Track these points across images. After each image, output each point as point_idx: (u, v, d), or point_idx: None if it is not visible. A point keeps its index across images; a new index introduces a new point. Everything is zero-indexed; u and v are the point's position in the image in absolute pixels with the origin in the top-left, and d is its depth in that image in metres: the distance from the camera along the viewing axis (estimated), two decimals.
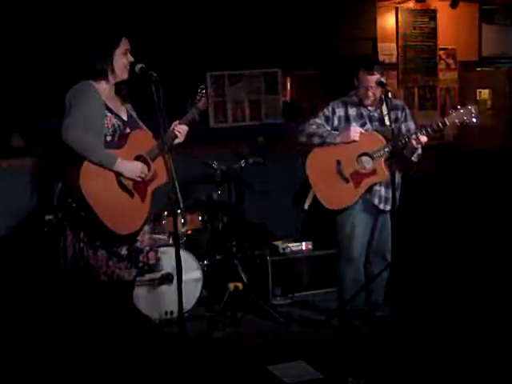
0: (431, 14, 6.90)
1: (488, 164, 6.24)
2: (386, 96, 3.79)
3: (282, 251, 5.10)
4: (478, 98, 7.32)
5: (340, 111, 4.15)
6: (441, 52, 7.01)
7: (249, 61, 6.07)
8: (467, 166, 6.34)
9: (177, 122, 3.51)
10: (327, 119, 4.17)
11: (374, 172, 4.00)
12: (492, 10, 7.21)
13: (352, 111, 4.13)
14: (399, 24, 6.75)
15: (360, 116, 4.12)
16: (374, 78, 3.98)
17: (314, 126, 4.13)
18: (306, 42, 6.21)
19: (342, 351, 3.91)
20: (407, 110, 4.20)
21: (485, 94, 7.35)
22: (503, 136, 7.02)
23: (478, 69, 7.25)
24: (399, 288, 4.15)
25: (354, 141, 3.99)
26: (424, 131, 3.86)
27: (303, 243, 5.18)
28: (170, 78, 3.58)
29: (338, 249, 4.33)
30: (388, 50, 6.72)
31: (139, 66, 3.28)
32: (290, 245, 5.14)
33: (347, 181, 4.05)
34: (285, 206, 5.88)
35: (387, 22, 6.72)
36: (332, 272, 5.12)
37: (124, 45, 3.30)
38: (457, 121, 3.82)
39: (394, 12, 6.73)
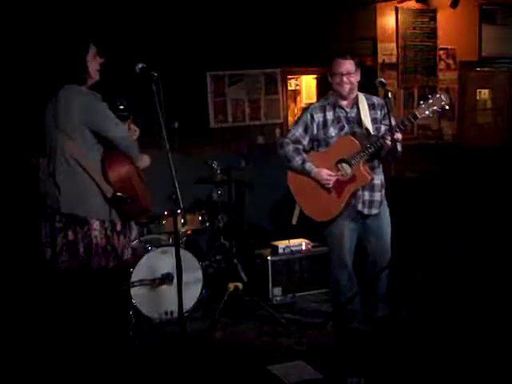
0: (431, 14, 6.91)
1: (488, 162, 6.25)
2: (386, 96, 3.72)
3: (282, 251, 5.10)
4: (477, 98, 7.33)
5: (319, 117, 4.07)
6: (441, 52, 7.02)
7: (249, 61, 6.08)
8: (467, 165, 6.35)
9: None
10: (306, 129, 4.09)
11: (353, 178, 3.94)
12: (492, 10, 7.22)
13: (329, 115, 4.05)
14: (399, 24, 6.76)
15: (338, 120, 4.03)
16: (347, 63, 3.92)
17: (291, 148, 4.07)
18: (305, 42, 6.21)
19: (342, 351, 3.91)
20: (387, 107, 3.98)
21: (485, 94, 7.36)
22: (503, 135, 7.03)
23: (478, 69, 7.25)
24: (399, 288, 4.16)
25: (328, 178, 3.98)
26: (397, 128, 3.78)
27: (303, 243, 5.18)
28: (170, 77, 3.57)
29: (330, 255, 4.28)
30: (388, 50, 6.72)
31: (140, 65, 3.28)
32: (290, 245, 5.14)
33: (329, 191, 4.02)
34: (284, 206, 5.89)
35: (387, 22, 6.73)
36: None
37: (92, 49, 3.40)
38: (427, 112, 3.71)
39: (394, 12, 6.74)
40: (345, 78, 3.94)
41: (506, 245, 5.38)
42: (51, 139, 3.37)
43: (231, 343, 4.18)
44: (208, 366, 3.74)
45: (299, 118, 4.17)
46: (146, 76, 3.24)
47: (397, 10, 6.74)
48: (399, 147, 3.97)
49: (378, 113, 4.02)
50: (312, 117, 4.07)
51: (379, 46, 6.66)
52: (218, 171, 4.84)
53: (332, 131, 4.02)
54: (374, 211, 4.07)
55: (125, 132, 3.41)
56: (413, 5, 6.81)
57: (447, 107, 3.72)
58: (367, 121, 3.95)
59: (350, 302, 4.14)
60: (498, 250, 5.37)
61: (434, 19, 6.92)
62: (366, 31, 6.58)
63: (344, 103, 4.03)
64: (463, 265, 5.25)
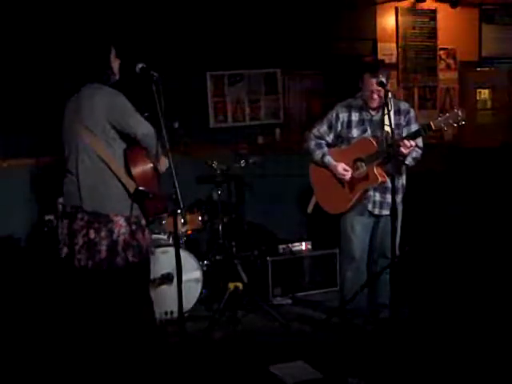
0: (431, 14, 6.91)
1: (488, 163, 6.24)
2: (386, 96, 3.77)
3: (281, 251, 5.11)
4: (478, 98, 7.32)
5: (344, 116, 4.19)
6: (441, 52, 7.02)
7: (249, 61, 6.08)
8: (467, 165, 6.35)
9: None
10: (330, 126, 4.24)
11: (366, 177, 4.07)
12: (492, 10, 7.22)
13: (355, 116, 4.17)
14: (399, 24, 6.76)
15: (362, 122, 4.14)
16: (377, 81, 3.97)
17: (313, 143, 4.28)
18: (305, 42, 6.21)
19: (342, 351, 3.91)
20: (411, 114, 4.14)
21: (485, 93, 7.35)
22: (503, 135, 7.03)
23: (478, 69, 7.25)
24: (399, 288, 4.16)
25: (344, 172, 4.14)
26: (409, 136, 3.88)
27: (303, 243, 5.18)
28: (170, 77, 3.57)
29: (341, 250, 4.42)
30: (388, 50, 6.72)
31: (140, 65, 3.28)
32: (290, 245, 5.15)
33: (343, 186, 4.17)
34: (285, 206, 5.89)
35: (387, 22, 6.72)
36: (332, 272, 5.15)
37: (113, 50, 3.44)
38: (443, 125, 3.77)
39: (394, 12, 6.74)
40: (375, 95, 4.03)
41: (507, 244, 5.38)
42: (72, 136, 3.37)
43: (231, 343, 4.18)
44: (208, 366, 3.74)
45: (326, 115, 4.30)
46: (146, 76, 3.24)
47: (397, 10, 6.74)
48: (414, 154, 4.03)
49: (402, 118, 4.11)
50: (337, 116, 4.21)
51: (379, 45, 6.65)
52: (218, 171, 4.84)
53: (355, 132, 4.15)
54: (385, 212, 4.13)
55: (148, 129, 3.42)
56: (413, 5, 6.81)
57: (463, 123, 3.76)
58: (390, 124, 3.98)
59: (351, 300, 4.16)
60: (499, 250, 5.37)
61: (434, 19, 6.92)
62: (366, 31, 6.58)
63: (373, 105, 4.11)
64: (463, 264, 5.25)
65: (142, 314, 3.45)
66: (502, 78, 7.39)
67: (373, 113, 4.12)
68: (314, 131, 4.30)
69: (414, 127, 4.06)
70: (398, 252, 4.14)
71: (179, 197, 3.02)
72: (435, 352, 3.78)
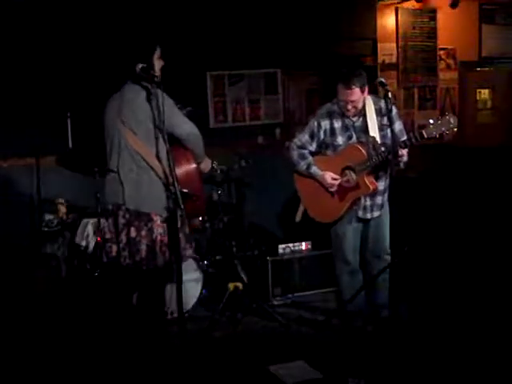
0: (431, 14, 6.91)
1: (488, 163, 6.24)
2: (386, 96, 3.73)
3: (281, 251, 5.10)
4: (478, 98, 7.33)
5: (326, 124, 4.09)
6: (441, 52, 7.02)
7: (249, 61, 6.07)
8: (467, 165, 6.35)
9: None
10: (312, 135, 4.13)
11: (357, 186, 4.00)
12: (492, 10, 7.22)
13: (337, 123, 4.07)
14: (399, 24, 6.76)
15: (345, 128, 4.06)
16: (352, 93, 3.87)
17: (296, 153, 4.15)
18: (305, 42, 6.21)
19: (342, 351, 3.91)
20: (393, 112, 3.96)
21: (485, 93, 7.36)
22: (503, 135, 7.03)
23: (478, 69, 7.25)
24: (399, 288, 4.16)
25: (332, 182, 4.05)
26: (402, 144, 3.82)
27: (303, 243, 5.18)
28: (170, 77, 3.57)
29: (333, 255, 4.35)
30: (388, 50, 6.72)
31: (140, 65, 3.29)
32: (290, 245, 5.14)
33: (332, 195, 4.10)
34: (284, 206, 5.88)
35: (387, 21, 6.72)
36: (332, 272, 5.14)
37: (158, 50, 3.49)
38: (434, 133, 3.72)
39: (394, 12, 6.74)
40: (349, 106, 3.95)
41: (506, 244, 5.38)
42: (114, 135, 3.38)
43: (231, 343, 4.18)
44: (208, 366, 3.74)
45: (307, 125, 4.19)
46: (146, 76, 3.24)
47: (397, 10, 6.74)
48: (402, 165, 3.98)
49: (385, 119, 3.97)
50: (319, 124, 4.10)
51: (379, 45, 6.65)
52: (218, 171, 4.84)
53: (340, 140, 4.07)
54: (376, 214, 4.15)
55: (192, 129, 3.41)
56: (413, 5, 6.81)
57: (455, 130, 3.71)
58: (374, 129, 3.96)
59: (350, 301, 4.15)
60: (498, 250, 5.37)
61: (434, 19, 6.92)
62: (366, 31, 6.57)
63: (349, 115, 4.03)
64: (463, 264, 5.25)
65: (157, 312, 3.48)
66: (502, 78, 7.39)
67: (354, 119, 4.04)
68: (296, 141, 4.17)
69: (397, 125, 3.98)
70: (386, 254, 4.19)
71: (179, 197, 3.02)
72: (435, 352, 3.78)
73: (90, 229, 4.72)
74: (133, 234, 3.35)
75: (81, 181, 4.92)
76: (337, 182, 4.05)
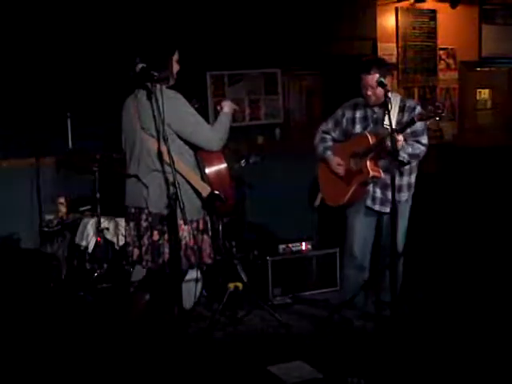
0: (431, 14, 6.91)
1: (488, 163, 6.25)
2: (386, 96, 3.77)
3: (281, 251, 5.10)
4: (478, 98, 7.33)
5: (348, 114, 4.28)
6: (441, 52, 7.02)
7: (249, 61, 6.07)
8: (467, 165, 6.35)
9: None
10: (336, 123, 4.34)
11: (360, 171, 4.12)
12: (492, 10, 7.22)
13: (359, 113, 4.23)
14: (399, 24, 6.76)
15: (364, 119, 4.21)
16: (371, 78, 3.99)
17: (318, 137, 4.41)
18: (305, 42, 6.21)
19: (342, 351, 3.91)
20: (416, 111, 4.06)
21: (485, 93, 7.36)
22: (503, 135, 7.03)
23: (478, 69, 7.26)
24: (399, 287, 4.16)
25: (337, 166, 4.26)
26: (398, 130, 3.85)
27: (303, 243, 5.18)
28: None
29: (343, 247, 4.46)
30: (388, 50, 6.72)
31: (140, 65, 3.28)
32: (290, 245, 5.15)
33: (341, 179, 4.26)
34: (284, 206, 5.88)
35: (387, 22, 6.72)
36: (332, 272, 5.15)
37: (176, 54, 3.51)
38: (425, 118, 3.77)
39: (394, 12, 6.74)
40: (368, 92, 4.08)
41: (507, 244, 5.38)
42: (134, 139, 3.39)
43: (231, 343, 4.18)
44: (208, 366, 3.74)
45: (331, 116, 4.42)
46: (146, 76, 3.24)
47: (397, 10, 6.74)
48: (409, 149, 4.01)
49: (406, 115, 4.09)
50: (343, 113, 4.32)
51: (379, 45, 6.65)
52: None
53: (357, 128, 4.23)
54: (388, 209, 4.09)
55: (209, 131, 3.49)
56: (413, 5, 6.81)
57: (443, 115, 3.77)
58: (391, 122, 3.97)
59: (353, 298, 4.18)
60: (499, 250, 5.37)
61: (433, 19, 6.92)
62: (366, 31, 6.58)
63: (370, 103, 4.15)
64: (464, 263, 5.25)
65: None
66: (502, 78, 7.40)
67: (376, 110, 4.16)
68: (322, 127, 4.42)
69: (419, 125, 4.03)
70: (400, 250, 4.21)
71: (179, 197, 3.02)
72: (435, 351, 3.78)
73: (90, 229, 4.73)
74: (155, 237, 3.34)
75: (81, 181, 4.93)
76: (341, 167, 4.23)
